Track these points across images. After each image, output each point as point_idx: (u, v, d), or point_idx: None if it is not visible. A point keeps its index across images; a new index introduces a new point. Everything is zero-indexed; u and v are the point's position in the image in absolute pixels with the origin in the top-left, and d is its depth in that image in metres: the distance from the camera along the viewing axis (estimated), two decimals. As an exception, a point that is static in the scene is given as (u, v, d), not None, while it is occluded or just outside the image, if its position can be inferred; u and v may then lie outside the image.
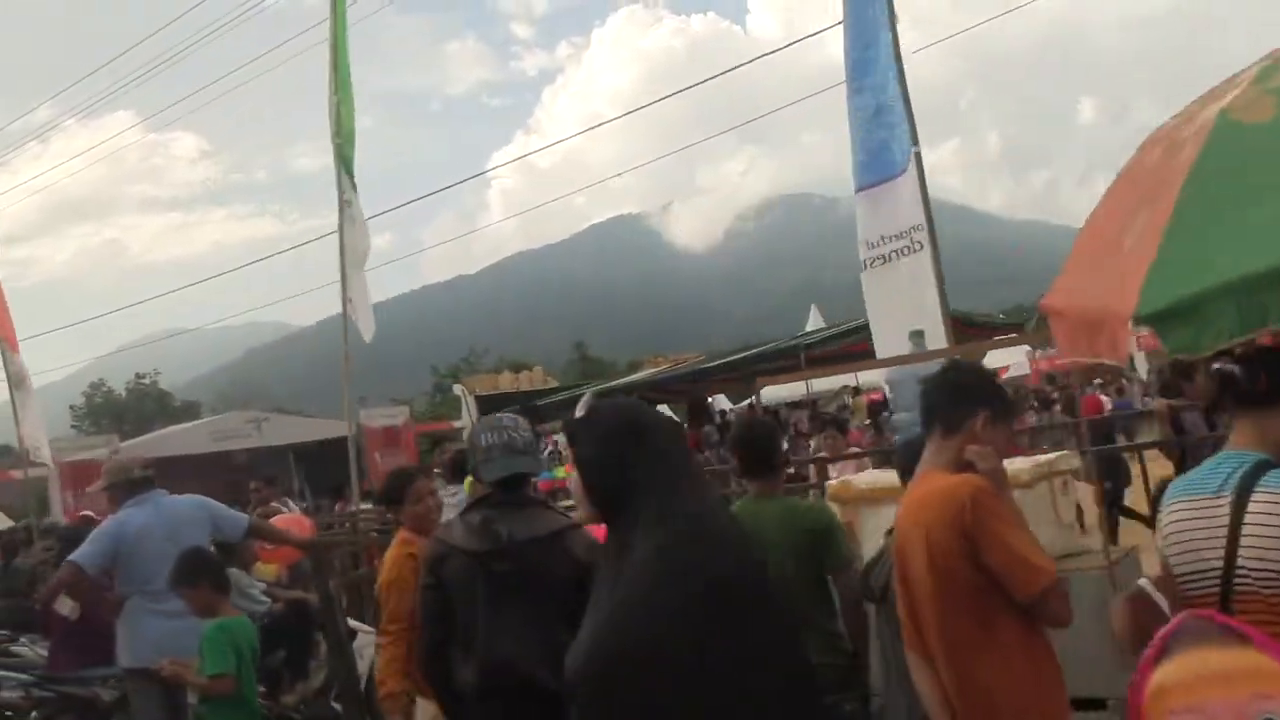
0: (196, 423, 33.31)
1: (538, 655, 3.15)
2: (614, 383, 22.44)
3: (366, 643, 5.65)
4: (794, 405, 21.96)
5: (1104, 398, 18.19)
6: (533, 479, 3.76)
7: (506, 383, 23.08)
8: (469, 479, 7.49)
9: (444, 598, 3.33)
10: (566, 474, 5.68)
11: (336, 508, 11.29)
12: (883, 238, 6.95)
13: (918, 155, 6.61)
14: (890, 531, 3.36)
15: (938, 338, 6.33)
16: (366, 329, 8.79)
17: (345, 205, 8.38)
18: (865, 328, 16.70)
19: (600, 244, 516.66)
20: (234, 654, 4.48)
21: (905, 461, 3.41)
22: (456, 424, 28.64)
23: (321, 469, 22.19)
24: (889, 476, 4.62)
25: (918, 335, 6.45)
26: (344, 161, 8.39)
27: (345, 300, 8.46)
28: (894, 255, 6.88)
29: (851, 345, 17.11)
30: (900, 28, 6.82)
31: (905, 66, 6.75)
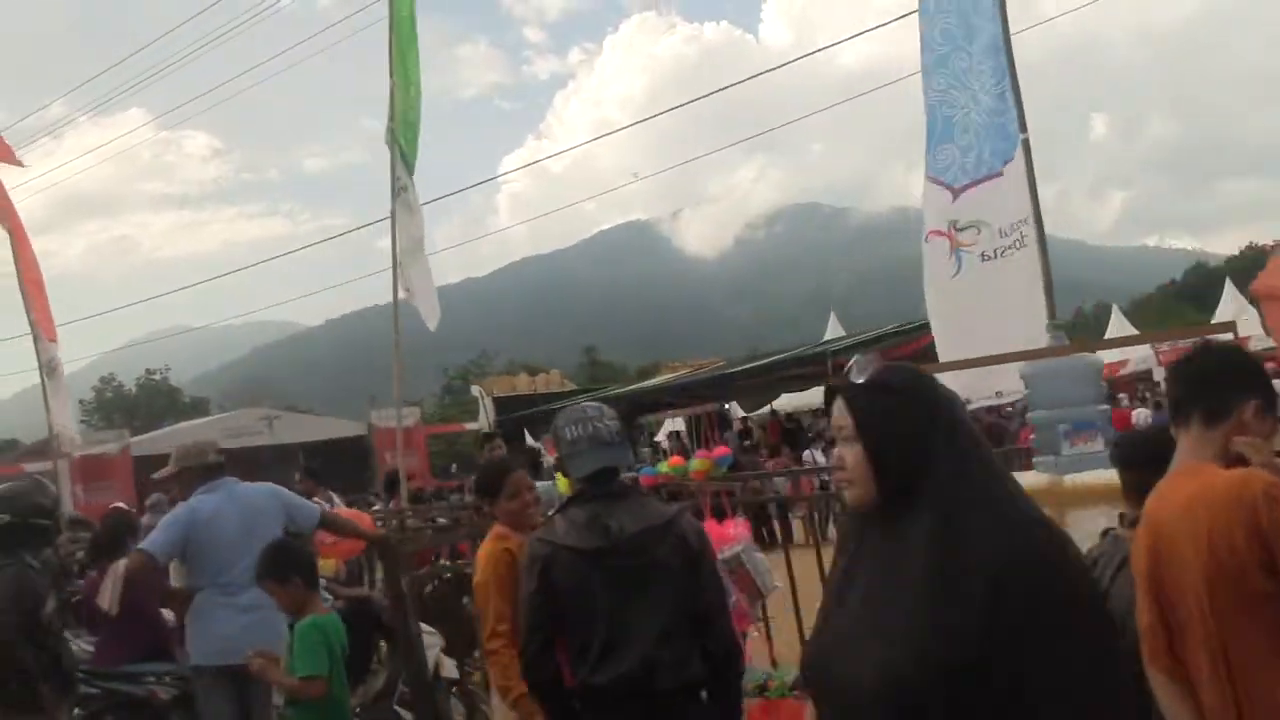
0: (208, 419, 33.32)
1: (665, 656, 3.05)
2: (632, 386, 22.20)
3: (430, 644, 5.38)
4: (817, 412, 21.74)
5: (1136, 412, 17.88)
6: (623, 471, 3.51)
7: (524, 385, 22.86)
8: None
9: (552, 601, 3.16)
10: (671, 468, 5.37)
11: (391, 504, 11.04)
12: (990, 233, 6.65)
13: (1026, 144, 6.33)
14: (1106, 533, 3.12)
15: (1040, 336, 6.04)
16: (431, 316, 8.50)
17: (400, 191, 8.11)
18: (892, 335, 16.59)
19: (610, 249, 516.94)
20: (327, 655, 4.18)
21: (1131, 456, 3.05)
22: (469, 425, 28.46)
23: (331, 468, 21.98)
24: (1098, 476, 4.36)
25: (1056, 328, 6.15)
26: (399, 147, 8.09)
27: (396, 287, 8.19)
28: (999, 251, 6.59)
29: (884, 351, 16.83)
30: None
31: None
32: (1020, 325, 6.26)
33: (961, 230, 6.78)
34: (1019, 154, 6.41)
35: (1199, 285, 73.15)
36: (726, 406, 22.91)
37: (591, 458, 3.26)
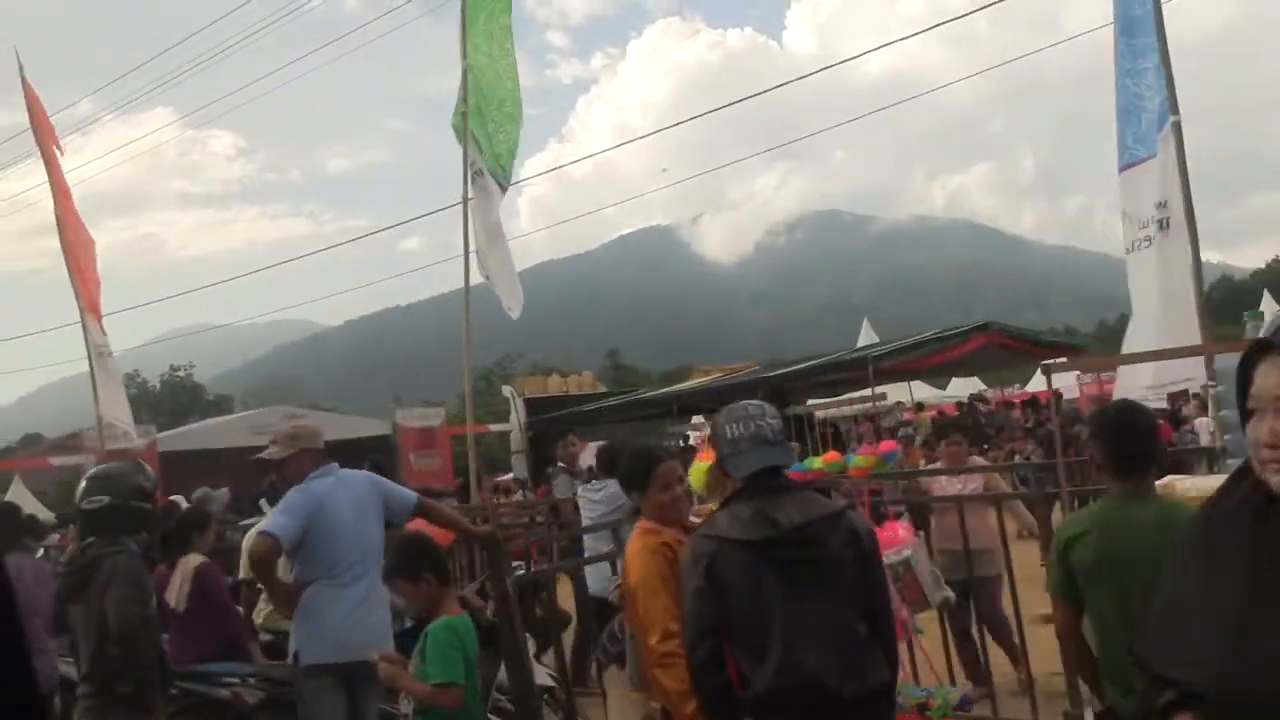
0: (234, 416, 33.28)
1: (841, 655, 2.87)
2: (672, 388, 21.92)
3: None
4: (856, 418, 21.43)
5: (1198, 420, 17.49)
6: (785, 471, 3.26)
7: (555, 386, 22.60)
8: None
9: (720, 601, 2.96)
10: (824, 464, 5.04)
11: (478, 499, 10.79)
12: (1143, 219, 6.37)
13: (1177, 125, 6.04)
14: None
15: (1189, 326, 5.75)
16: (514, 303, 8.23)
17: (475, 176, 7.85)
18: (934, 340, 16.23)
19: (630, 254, 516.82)
20: (462, 660, 3.86)
21: None
22: (493, 427, 28.25)
23: (354, 467, 21.87)
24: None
25: (1256, 316, 5.88)
26: (474, 131, 7.83)
27: (467, 272, 7.94)
28: (1149, 239, 6.30)
29: (918, 359, 16.57)
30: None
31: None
32: (1176, 313, 5.98)
33: (1127, 219, 6.52)
34: (1169, 136, 6.11)
35: (1225, 298, 72.48)
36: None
37: (754, 457, 3.10)
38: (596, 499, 7.18)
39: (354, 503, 4.83)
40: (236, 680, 5.39)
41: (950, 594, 4.88)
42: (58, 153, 11.54)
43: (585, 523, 7.26)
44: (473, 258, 7.73)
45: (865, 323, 25.87)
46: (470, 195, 7.85)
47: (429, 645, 3.85)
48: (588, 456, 24.45)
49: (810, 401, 24.69)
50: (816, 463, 5.11)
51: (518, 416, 19.63)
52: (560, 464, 8.66)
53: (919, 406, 20.96)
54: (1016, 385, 30.93)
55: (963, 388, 26.81)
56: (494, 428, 28.51)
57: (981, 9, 13.31)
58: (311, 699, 4.68)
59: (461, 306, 8.52)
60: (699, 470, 4.11)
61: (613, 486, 7.15)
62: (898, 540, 4.48)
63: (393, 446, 26.82)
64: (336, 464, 5.01)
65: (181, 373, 63.51)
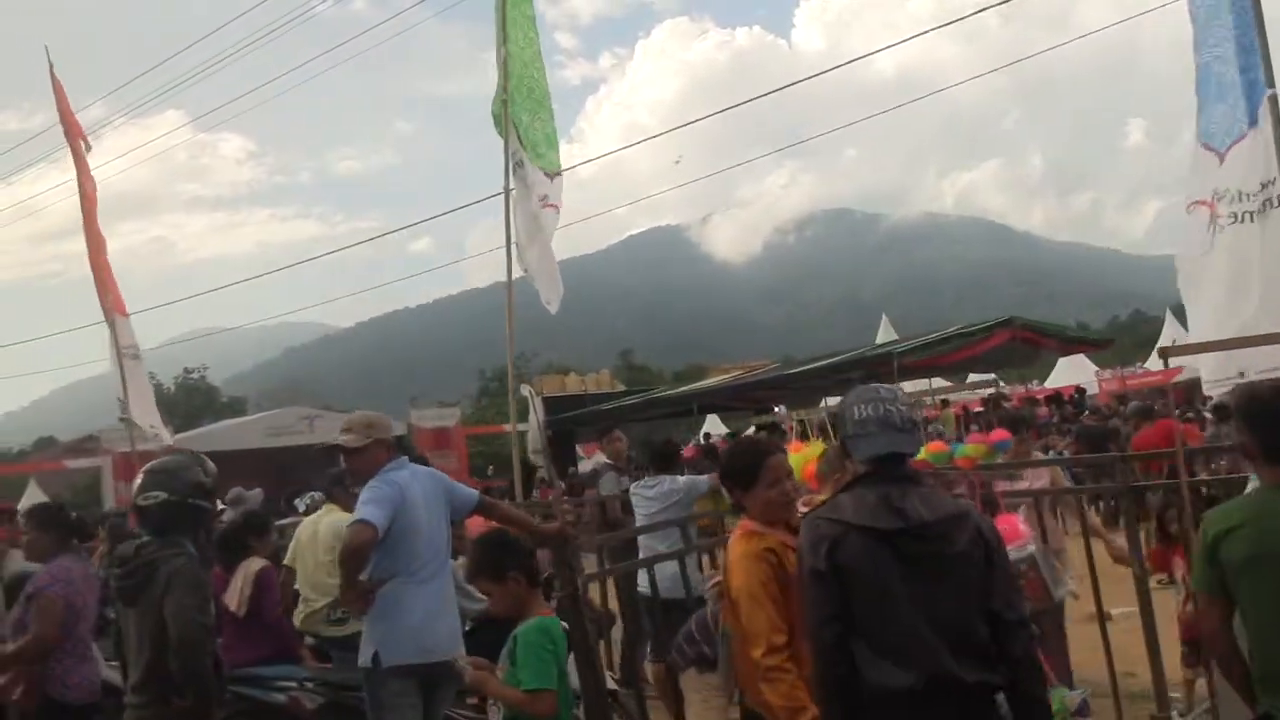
0: (250, 418, 33.21)
1: (962, 655, 2.75)
2: (691, 386, 21.75)
3: None
4: None
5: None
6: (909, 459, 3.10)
7: (573, 385, 22.47)
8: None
9: (841, 585, 2.83)
10: (929, 454, 4.82)
11: (536, 495, 10.65)
12: (1231, 197, 6.15)
13: (1274, 99, 5.83)
14: None
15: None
16: (553, 296, 8.04)
17: (516, 167, 7.67)
18: (958, 336, 16.03)
19: (639, 254, 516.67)
20: (555, 664, 3.65)
21: None
22: (507, 427, 28.14)
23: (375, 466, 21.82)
24: None
25: None
26: (515, 121, 7.64)
27: (510, 264, 7.77)
28: (1246, 216, 6.08)
29: (943, 355, 16.38)
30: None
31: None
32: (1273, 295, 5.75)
33: (1221, 199, 6.28)
34: (1265, 111, 5.90)
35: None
36: (778, 409, 22.47)
37: (880, 440, 2.96)
38: (650, 495, 6.97)
39: (427, 497, 4.64)
40: (293, 684, 5.17)
41: (1073, 588, 4.68)
42: (84, 150, 11.42)
43: (640, 521, 7.02)
44: (513, 249, 7.59)
45: (884, 319, 25.72)
46: (511, 186, 7.66)
47: (519, 648, 3.64)
48: (601, 456, 24.40)
49: (828, 401, 24.59)
50: (963, 450, 4.80)
51: (536, 415, 19.47)
52: (607, 460, 8.44)
53: (944, 403, 20.74)
54: (1035, 381, 30.73)
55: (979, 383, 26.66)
56: (507, 428, 28.44)
57: (992, 6, 13.11)
58: (391, 703, 4.42)
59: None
60: (796, 461, 3.91)
61: (666, 483, 6.94)
62: (1018, 535, 4.21)
63: (408, 447, 26.76)
64: (406, 457, 4.82)
65: (195, 374, 63.61)
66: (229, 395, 69.94)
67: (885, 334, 24.34)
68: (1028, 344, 16.82)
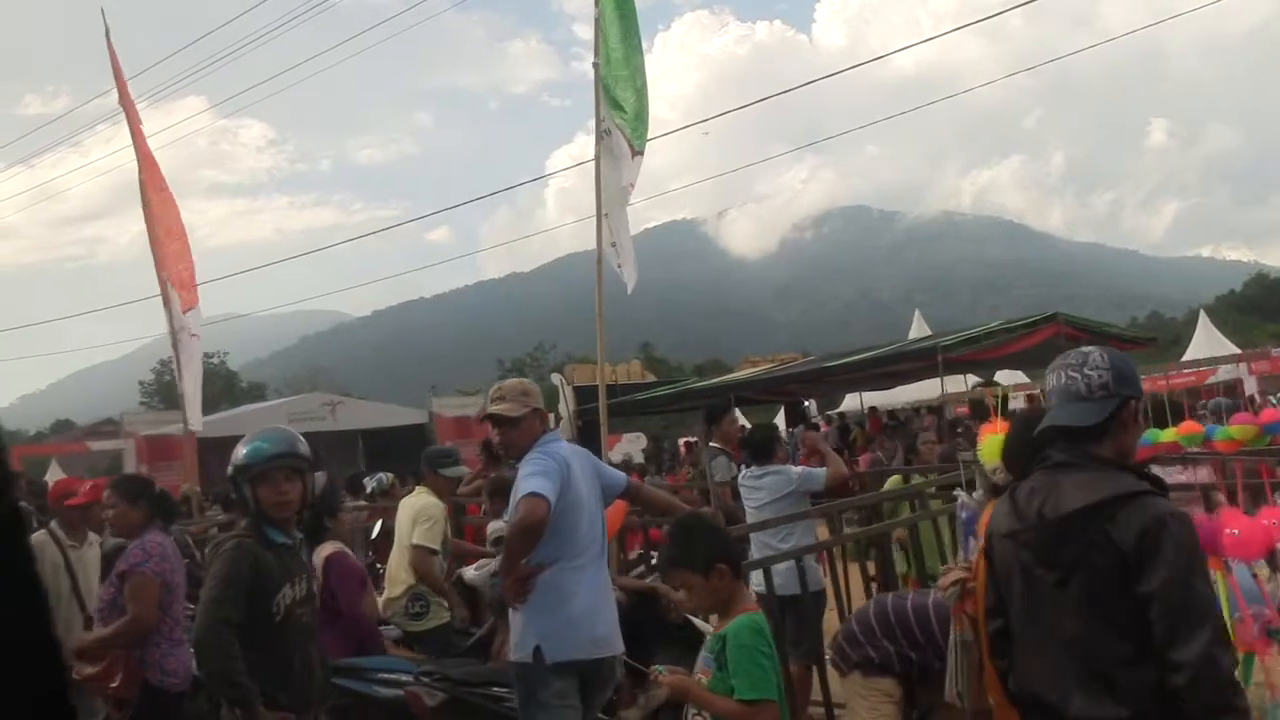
0: (272, 403, 33.14)
1: (1082, 680, 2.40)
2: (725, 378, 21.50)
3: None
4: (919, 409, 21.06)
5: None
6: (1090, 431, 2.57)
7: (605, 374, 22.21)
8: None
9: (996, 587, 2.66)
10: (1179, 436, 4.30)
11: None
12: None
13: None
14: None
15: None
16: (630, 275, 7.71)
17: (604, 135, 7.33)
18: (1002, 331, 15.73)
19: (654, 248, 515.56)
20: (775, 671, 3.16)
21: None
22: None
23: (393, 454, 21.83)
24: None
25: None
26: (606, 87, 7.29)
27: (600, 241, 7.41)
28: None
29: (987, 350, 16.14)
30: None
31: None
32: None
33: None
34: None
35: (1260, 296, 71.62)
36: (807, 403, 22.19)
37: (1054, 414, 2.58)
38: (758, 485, 6.60)
39: (585, 475, 4.21)
40: (408, 678, 4.71)
41: None
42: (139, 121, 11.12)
43: (748, 512, 6.62)
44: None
45: (917, 315, 25.38)
46: (597, 154, 7.32)
47: (733, 652, 3.12)
48: (625, 446, 24.14)
49: (866, 393, 24.33)
50: (1167, 434, 4.28)
51: (567, 404, 19.24)
52: (715, 444, 8.02)
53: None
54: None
55: (1006, 380, 26.34)
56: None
57: (1017, 6, 12.75)
58: (551, 704, 3.91)
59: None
60: (991, 445, 3.54)
61: (778, 473, 6.56)
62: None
63: (429, 435, 26.56)
64: (557, 430, 4.41)
65: (215, 359, 63.64)
66: (248, 381, 69.94)
67: (918, 330, 24.08)
68: (1071, 340, 16.60)
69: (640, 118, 7.32)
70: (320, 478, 8.66)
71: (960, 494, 4.10)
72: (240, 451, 3.73)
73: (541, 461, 4.00)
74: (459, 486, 7.70)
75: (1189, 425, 4.26)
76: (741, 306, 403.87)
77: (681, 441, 26.00)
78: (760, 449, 6.72)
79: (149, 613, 4.62)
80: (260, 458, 3.69)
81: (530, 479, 3.91)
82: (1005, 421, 3.70)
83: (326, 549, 5.50)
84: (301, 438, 3.87)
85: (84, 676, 4.62)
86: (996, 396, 4.34)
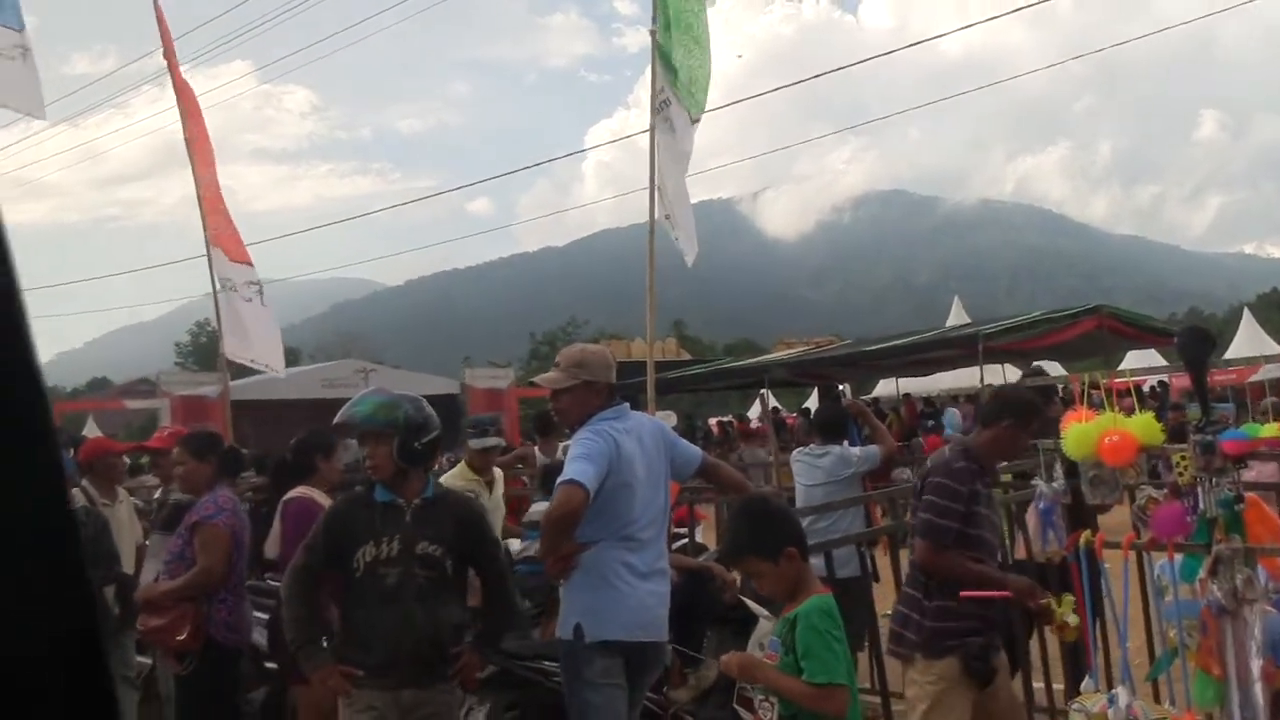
0: (307, 368, 33.33)
1: None
2: (757, 359, 21.38)
3: (766, 630, 4.44)
4: (958, 397, 20.89)
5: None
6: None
7: (639, 351, 22.16)
8: None
9: None
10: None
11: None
12: None
13: None
14: None
15: None
16: (689, 247, 7.61)
17: (661, 106, 7.23)
18: (1044, 321, 15.50)
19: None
20: (846, 655, 3.09)
21: None
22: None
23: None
24: None
25: None
26: (664, 55, 7.17)
27: (652, 205, 7.31)
28: None
29: (1029, 339, 15.95)
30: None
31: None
32: None
33: None
34: None
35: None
36: (841, 387, 22.09)
37: None
38: (817, 465, 6.46)
39: (646, 451, 4.05)
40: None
41: None
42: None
43: (799, 491, 6.48)
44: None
45: (956, 302, 25.15)
46: (651, 126, 7.21)
47: (803, 634, 3.04)
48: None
49: (898, 380, 24.14)
50: (1268, 430, 4.00)
51: (599, 381, 19.17)
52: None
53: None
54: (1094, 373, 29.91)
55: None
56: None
57: None
58: (595, 682, 3.84)
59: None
60: (1077, 435, 3.41)
61: (838, 453, 6.43)
62: None
63: (461, 406, 26.63)
64: (627, 405, 4.22)
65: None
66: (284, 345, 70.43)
67: (957, 317, 23.86)
68: (1116, 333, 16.37)
69: (701, 84, 7.21)
70: (354, 444, 8.57)
71: (1039, 483, 3.99)
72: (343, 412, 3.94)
73: (588, 443, 3.88)
74: (494, 456, 7.04)
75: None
76: (775, 287, 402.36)
77: (714, 421, 25.95)
78: (831, 427, 6.60)
79: (219, 565, 4.64)
80: (353, 421, 3.90)
81: (572, 462, 3.83)
82: (1090, 410, 3.59)
83: (296, 490, 5.16)
84: (404, 403, 3.90)
85: (149, 629, 4.63)
86: (1082, 383, 4.18)
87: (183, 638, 4.54)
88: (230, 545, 4.67)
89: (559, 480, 3.80)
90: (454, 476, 6.29)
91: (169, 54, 10.71)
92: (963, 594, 3.84)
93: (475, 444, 6.34)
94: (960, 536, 3.93)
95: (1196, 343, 3.65)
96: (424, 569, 3.79)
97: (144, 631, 4.58)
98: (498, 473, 6.53)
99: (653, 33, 7.26)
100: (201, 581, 4.60)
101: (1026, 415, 4.05)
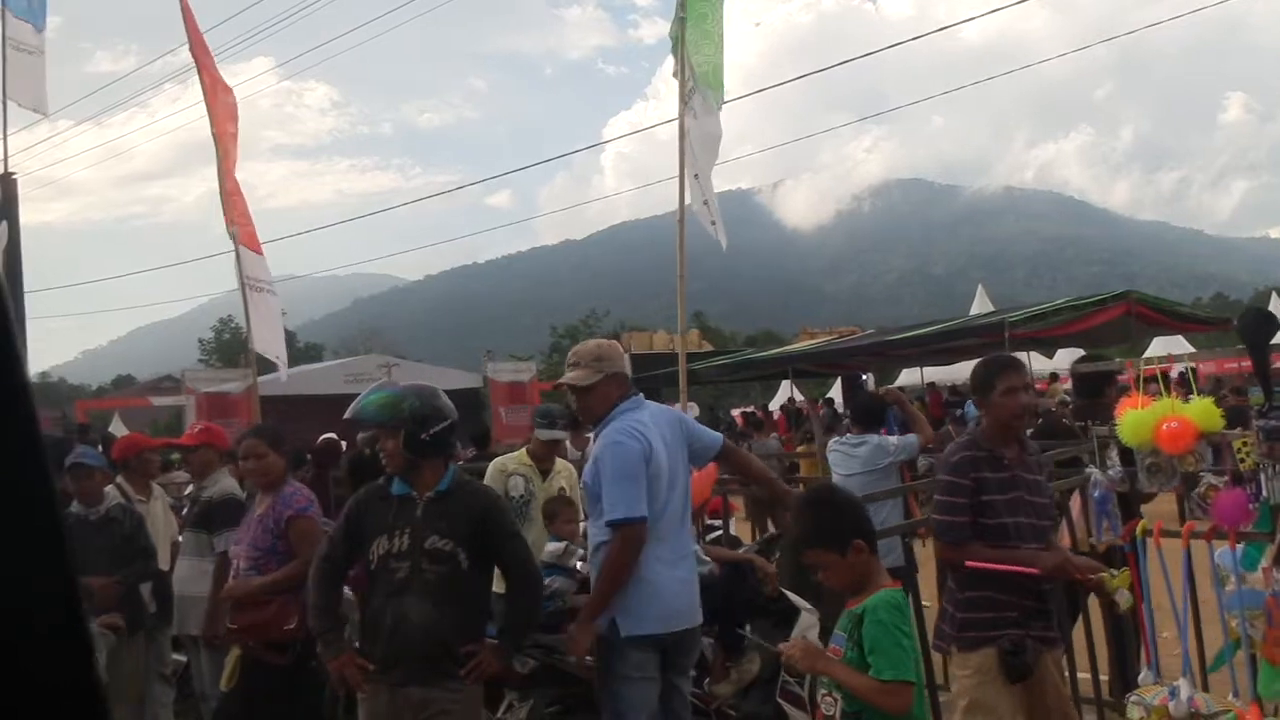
0: (329, 363, 33.46)
1: None
2: (780, 350, 21.27)
3: (810, 624, 4.37)
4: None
5: None
6: None
7: (661, 343, 22.12)
8: None
9: None
10: None
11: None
12: None
13: None
14: None
15: None
16: (723, 232, 7.56)
17: (687, 96, 7.20)
18: (1068, 309, 15.34)
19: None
20: (914, 651, 3.02)
21: None
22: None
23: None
24: None
25: None
26: (691, 46, 7.15)
27: (682, 194, 7.28)
28: None
29: (1056, 327, 15.76)
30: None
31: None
32: None
33: None
34: None
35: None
36: (865, 376, 21.99)
37: None
38: (853, 454, 6.39)
39: (668, 441, 4.03)
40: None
41: None
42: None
43: (835, 480, 6.32)
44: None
45: (979, 290, 24.92)
46: (681, 114, 7.18)
47: (871, 629, 2.96)
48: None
49: (922, 369, 23.98)
50: None
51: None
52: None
53: (1053, 376, 19.95)
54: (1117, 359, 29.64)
55: (1065, 358, 25.90)
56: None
57: None
58: (629, 676, 3.85)
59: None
60: (1133, 421, 3.32)
61: (875, 442, 6.34)
62: None
63: (483, 399, 26.58)
64: (642, 395, 4.23)
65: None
66: (305, 341, 70.76)
67: (980, 305, 23.65)
68: (1144, 320, 16.14)
69: (717, 75, 7.18)
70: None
71: (1094, 470, 3.88)
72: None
73: (621, 452, 3.86)
74: (559, 449, 6.63)
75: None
76: (794, 277, 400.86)
77: (737, 412, 25.87)
78: (869, 415, 6.50)
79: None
80: (360, 415, 3.94)
81: (614, 485, 3.81)
82: (1147, 396, 3.50)
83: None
84: (409, 396, 3.90)
85: (245, 624, 4.56)
86: (1137, 368, 4.08)
87: (291, 626, 4.52)
88: (320, 538, 4.70)
89: (610, 518, 3.80)
90: (509, 459, 6.25)
91: (198, 50, 10.72)
92: (968, 563, 3.72)
93: (543, 435, 6.22)
94: (978, 529, 3.80)
95: (1260, 325, 3.56)
96: (432, 564, 3.75)
97: (239, 627, 4.55)
98: (562, 463, 6.38)
99: (681, 20, 7.21)
100: (304, 573, 4.60)
101: (1008, 373, 3.89)
